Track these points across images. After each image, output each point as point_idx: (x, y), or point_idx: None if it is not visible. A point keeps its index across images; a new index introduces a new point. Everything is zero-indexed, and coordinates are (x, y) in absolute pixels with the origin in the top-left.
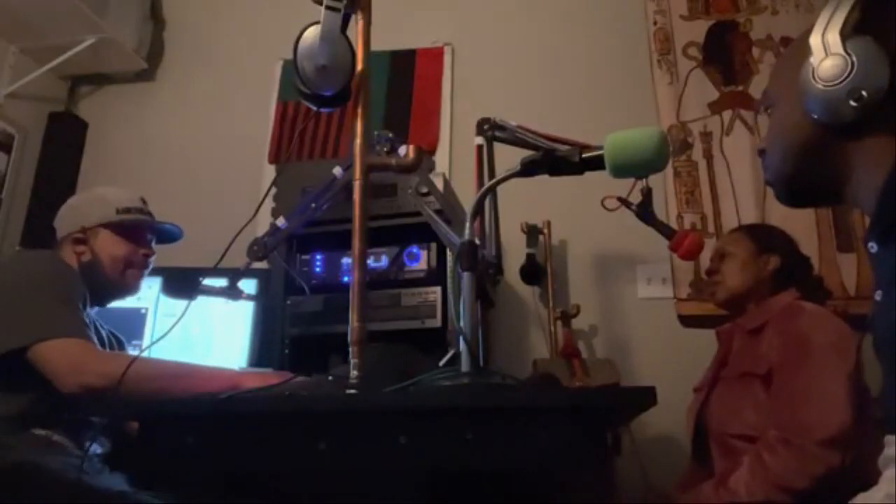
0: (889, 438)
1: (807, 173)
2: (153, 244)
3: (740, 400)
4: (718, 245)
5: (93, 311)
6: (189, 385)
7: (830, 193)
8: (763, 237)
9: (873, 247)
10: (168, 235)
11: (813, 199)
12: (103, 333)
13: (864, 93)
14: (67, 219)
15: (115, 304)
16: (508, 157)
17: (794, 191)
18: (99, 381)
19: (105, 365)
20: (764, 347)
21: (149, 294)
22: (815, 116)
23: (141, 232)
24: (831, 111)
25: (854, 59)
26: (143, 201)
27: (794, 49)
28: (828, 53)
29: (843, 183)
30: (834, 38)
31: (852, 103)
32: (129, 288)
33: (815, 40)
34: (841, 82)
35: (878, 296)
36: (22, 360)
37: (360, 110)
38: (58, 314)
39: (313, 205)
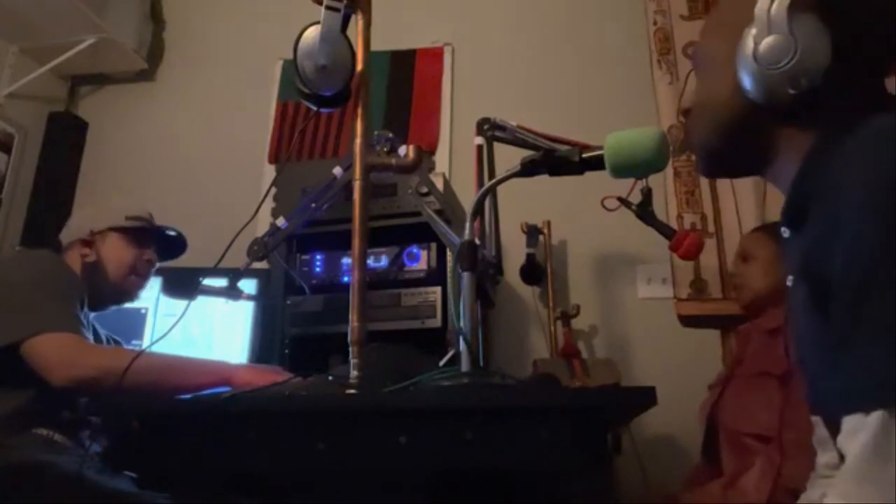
0: (816, 419)
1: (731, 148)
2: (156, 255)
3: (755, 399)
4: (741, 247)
5: (91, 315)
6: (180, 378)
7: (751, 170)
8: None
9: (786, 232)
10: (172, 248)
11: (733, 173)
12: (102, 336)
13: (803, 80)
14: (76, 225)
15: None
16: (508, 157)
17: (715, 164)
18: (90, 374)
19: (96, 358)
20: (783, 348)
21: (149, 294)
22: (749, 95)
23: (147, 239)
24: (767, 94)
25: (798, 42)
26: (151, 215)
27: (736, 6)
28: (771, 30)
29: (767, 163)
30: (780, 12)
31: (790, 90)
32: (128, 294)
33: (760, 9)
34: (782, 67)
35: (789, 281)
36: (17, 357)
37: (360, 110)
38: (51, 310)
39: (313, 205)
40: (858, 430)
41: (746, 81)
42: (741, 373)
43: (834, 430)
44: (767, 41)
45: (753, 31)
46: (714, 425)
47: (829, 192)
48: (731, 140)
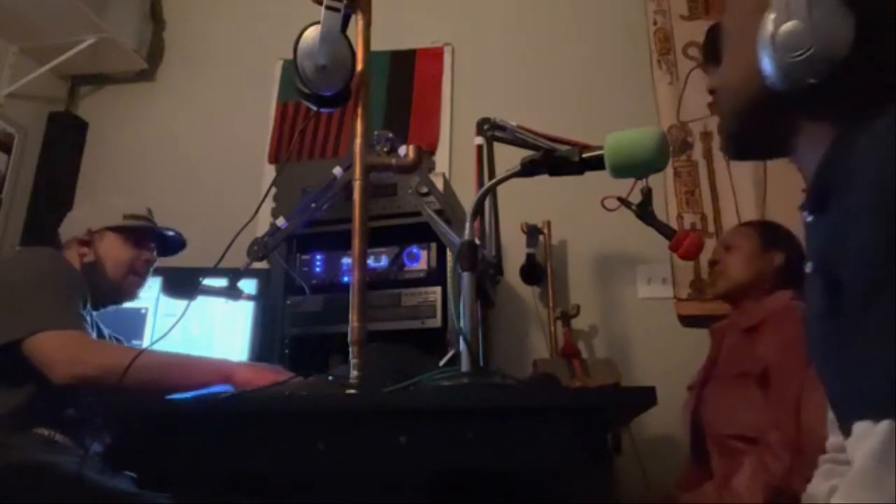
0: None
1: (753, 132)
2: (155, 253)
3: (736, 400)
4: (725, 237)
5: (94, 314)
6: (181, 376)
7: (775, 153)
8: (770, 234)
9: (808, 217)
10: (171, 245)
11: (756, 156)
12: (106, 334)
13: (823, 69)
14: (74, 224)
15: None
16: (508, 157)
17: (737, 146)
18: (92, 372)
19: (98, 355)
20: (760, 347)
21: (149, 294)
22: (769, 80)
23: (145, 238)
24: (786, 81)
25: (818, 28)
26: (150, 211)
27: None
28: (790, 15)
29: (791, 148)
30: None
31: (810, 79)
32: (127, 293)
33: None
34: (800, 54)
35: (808, 268)
36: (18, 356)
37: (360, 110)
38: (53, 307)
39: (313, 205)
40: (866, 436)
41: (766, 67)
42: (720, 374)
43: (845, 429)
44: (786, 27)
45: (773, 14)
46: (699, 427)
47: (846, 186)
48: (752, 123)
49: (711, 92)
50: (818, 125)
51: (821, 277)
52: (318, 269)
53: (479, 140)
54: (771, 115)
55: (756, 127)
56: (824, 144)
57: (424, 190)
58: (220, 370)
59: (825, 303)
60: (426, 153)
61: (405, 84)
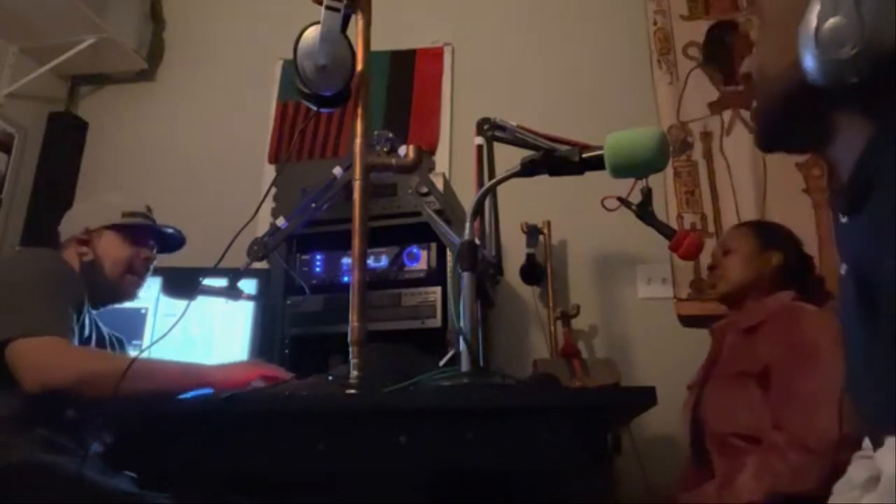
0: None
1: (787, 123)
2: (155, 251)
3: (735, 399)
4: (722, 240)
5: (93, 312)
6: (151, 384)
7: (811, 148)
8: (767, 234)
9: (842, 217)
10: (170, 242)
11: (790, 149)
12: (105, 335)
13: (869, 67)
14: (72, 222)
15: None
16: (508, 157)
17: (769, 138)
18: (62, 378)
19: (73, 363)
20: (760, 347)
21: (149, 294)
22: (809, 77)
23: (144, 236)
24: (828, 79)
25: (865, 25)
26: (149, 209)
27: None
28: (837, 10)
29: (827, 143)
30: None
31: (853, 79)
32: (126, 292)
33: None
34: (845, 52)
35: (842, 269)
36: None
37: (360, 110)
38: (42, 311)
39: (313, 205)
40: None
41: (807, 63)
42: (719, 373)
43: (875, 439)
44: (831, 23)
45: (817, 7)
46: (699, 426)
47: (884, 188)
48: (787, 115)
49: (746, 77)
50: (856, 121)
51: (855, 282)
52: (318, 269)
53: (479, 140)
54: (807, 109)
55: (791, 119)
56: (861, 142)
57: (424, 190)
58: (193, 377)
59: (860, 308)
60: (426, 153)
61: (405, 84)
